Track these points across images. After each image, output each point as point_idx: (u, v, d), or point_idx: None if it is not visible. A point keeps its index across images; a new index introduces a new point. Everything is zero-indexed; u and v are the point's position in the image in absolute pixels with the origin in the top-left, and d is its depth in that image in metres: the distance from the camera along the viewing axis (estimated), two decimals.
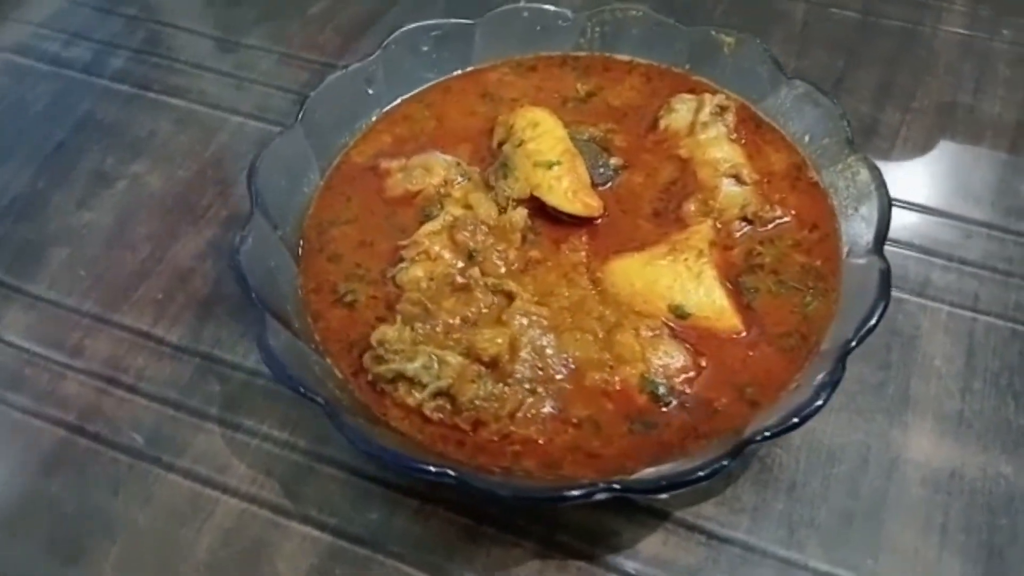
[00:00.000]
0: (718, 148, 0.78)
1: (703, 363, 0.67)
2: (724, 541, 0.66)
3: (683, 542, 0.66)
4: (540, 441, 0.64)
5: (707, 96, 0.80)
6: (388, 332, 0.68)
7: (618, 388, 0.66)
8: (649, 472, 0.60)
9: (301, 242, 0.77)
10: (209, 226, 0.89)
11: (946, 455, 0.71)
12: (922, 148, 0.93)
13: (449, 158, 0.81)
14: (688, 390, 0.66)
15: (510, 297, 0.70)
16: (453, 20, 0.87)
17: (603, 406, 0.66)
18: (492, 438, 0.65)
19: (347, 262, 0.76)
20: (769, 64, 0.80)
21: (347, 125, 0.84)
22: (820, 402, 0.59)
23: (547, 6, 0.87)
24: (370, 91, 0.85)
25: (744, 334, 0.68)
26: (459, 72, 0.89)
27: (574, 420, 0.65)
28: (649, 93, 0.85)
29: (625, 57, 0.88)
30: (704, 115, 0.79)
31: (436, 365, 0.66)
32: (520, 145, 0.77)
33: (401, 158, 0.82)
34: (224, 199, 0.91)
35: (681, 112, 0.80)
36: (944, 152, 0.93)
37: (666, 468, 0.60)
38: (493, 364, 0.66)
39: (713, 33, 0.83)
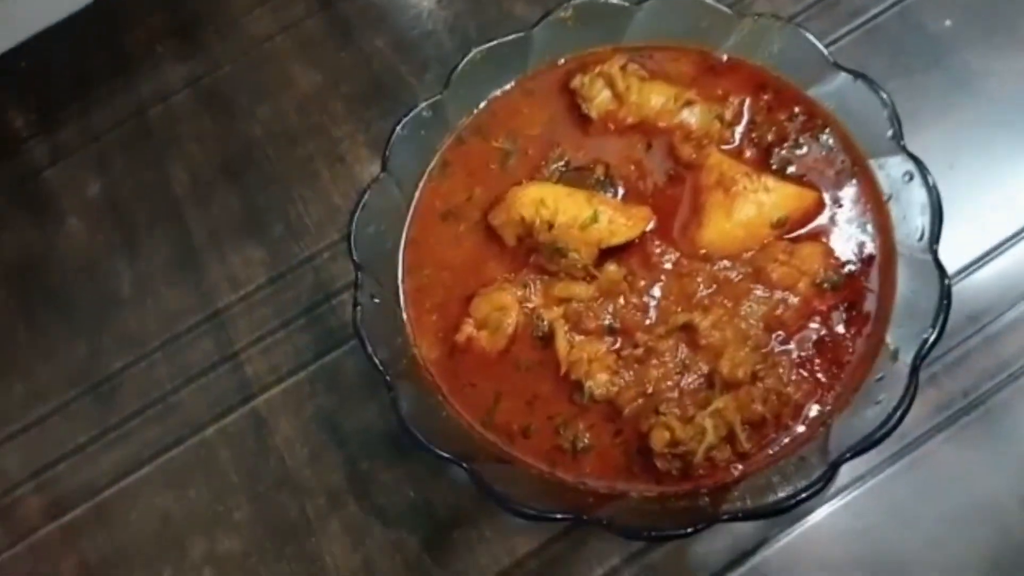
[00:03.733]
0: (653, 96, 0.86)
1: (824, 239, 0.81)
2: None
3: None
4: (825, 378, 0.76)
5: (607, 67, 0.86)
6: (670, 434, 0.74)
7: (812, 304, 0.79)
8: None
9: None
10: None
11: None
12: None
13: (497, 285, 0.83)
14: (844, 259, 0.80)
15: (688, 328, 0.78)
16: (365, 199, 0.83)
17: (823, 324, 0.78)
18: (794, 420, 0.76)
19: (542, 430, 0.79)
20: (614, 6, 0.87)
21: (390, 341, 0.82)
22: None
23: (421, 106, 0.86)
24: (380, 302, 0.82)
25: (824, 193, 0.82)
26: (406, 226, 0.87)
27: (816, 351, 0.77)
28: (544, 102, 0.90)
29: (496, 92, 0.91)
30: (620, 82, 0.86)
31: (718, 419, 0.74)
32: (551, 228, 0.81)
33: (465, 321, 0.82)
34: None
35: (600, 91, 0.87)
36: None
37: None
38: (751, 374, 0.76)
39: (551, 18, 0.88)
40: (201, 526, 0.91)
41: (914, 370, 0.71)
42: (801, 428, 0.75)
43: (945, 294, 0.73)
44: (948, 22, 1.00)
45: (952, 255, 0.81)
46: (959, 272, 0.88)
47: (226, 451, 0.94)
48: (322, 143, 1.06)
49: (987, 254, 0.89)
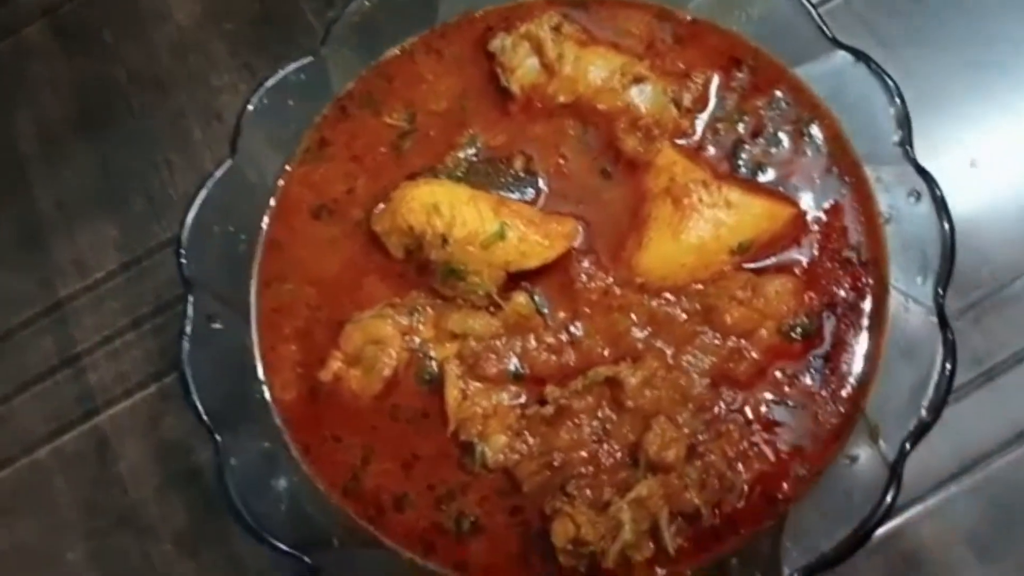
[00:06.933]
0: (593, 67, 0.66)
1: (798, 271, 0.63)
2: None
3: None
4: (784, 454, 0.59)
5: (535, 26, 0.66)
6: (575, 529, 0.57)
7: (771, 358, 0.61)
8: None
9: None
10: None
11: None
12: None
13: (376, 310, 0.65)
14: (820, 299, 0.62)
15: (613, 383, 0.60)
16: (204, 194, 0.64)
17: (779, 385, 0.61)
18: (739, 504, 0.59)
19: (420, 502, 0.62)
20: None
21: (232, 380, 0.65)
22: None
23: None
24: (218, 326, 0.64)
25: (803, 210, 0.63)
26: (265, 223, 0.68)
27: (775, 418, 0.60)
28: (455, 68, 0.70)
29: (395, 51, 0.70)
30: (551, 48, 0.66)
31: (638, 510, 0.58)
32: (446, 244, 0.62)
33: (333, 354, 0.64)
34: None
35: (524, 59, 0.67)
36: None
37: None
38: (690, 450, 0.59)
39: None
40: (28, 567, 0.76)
41: (895, 467, 0.54)
42: (747, 520, 0.59)
43: (948, 368, 0.55)
44: None
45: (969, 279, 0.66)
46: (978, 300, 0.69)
47: (61, 477, 0.77)
48: (198, 94, 0.86)
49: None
